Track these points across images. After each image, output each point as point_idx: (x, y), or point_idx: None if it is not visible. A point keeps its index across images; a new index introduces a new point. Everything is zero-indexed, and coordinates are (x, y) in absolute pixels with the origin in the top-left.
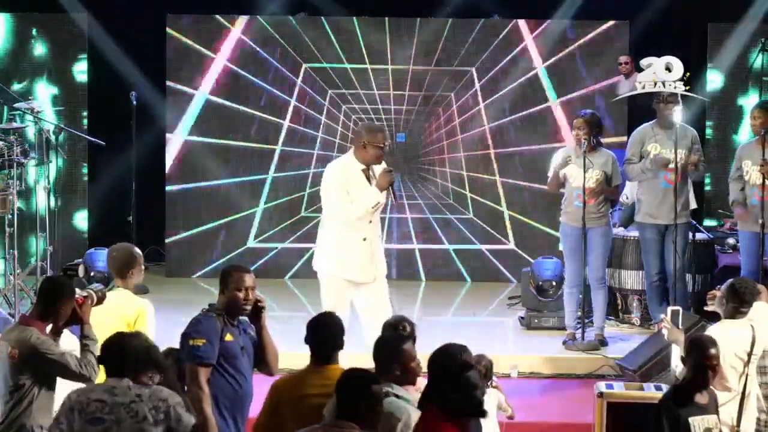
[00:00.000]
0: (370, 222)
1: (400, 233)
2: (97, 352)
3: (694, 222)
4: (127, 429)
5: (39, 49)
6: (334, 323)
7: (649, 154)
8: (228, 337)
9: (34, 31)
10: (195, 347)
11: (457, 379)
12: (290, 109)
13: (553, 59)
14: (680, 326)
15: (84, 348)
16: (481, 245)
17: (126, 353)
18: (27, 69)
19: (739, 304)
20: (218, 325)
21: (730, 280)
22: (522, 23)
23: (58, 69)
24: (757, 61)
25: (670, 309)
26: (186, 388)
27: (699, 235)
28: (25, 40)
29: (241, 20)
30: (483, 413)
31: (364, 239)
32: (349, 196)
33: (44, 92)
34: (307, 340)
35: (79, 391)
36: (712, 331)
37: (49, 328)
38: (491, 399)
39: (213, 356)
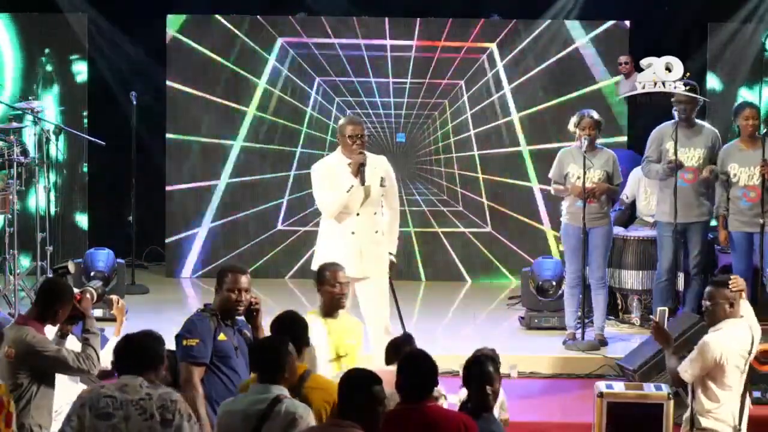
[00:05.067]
0: (358, 215)
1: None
2: (98, 346)
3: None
4: (135, 425)
5: (39, 49)
6: (298, 321)
7: (667, 152)
8: (221, 337)
9: (34, 31)
10: (188, 347)
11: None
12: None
13: (553, 59)
14: (666, 327)
15: (85, 341)
16: (466, 229)
17: (139, 352)
18: (27, 69)
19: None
20: (212, 325)
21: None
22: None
23: (58, 69)
24: (757, 61)
25: (659, 309)
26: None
27: None
28: (24, 40)
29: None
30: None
31: (353, 233)
32: (332, 188)
33: (44, 92)
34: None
35: (91, 388)
36: (720, 332)
37: (54, 330)
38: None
39: (206, 356)
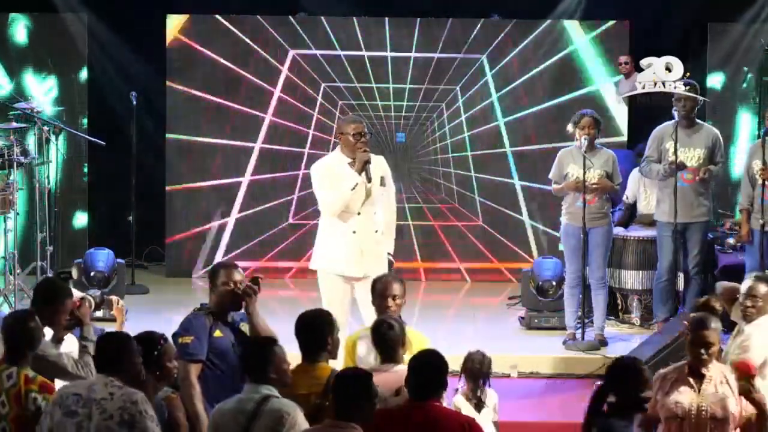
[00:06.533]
0: (359, 214)
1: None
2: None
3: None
4: (96, 425)
5: (39, 49)
6: (322, 321)
7: (667, 152)
8: (217, 334)
9: (34, 32)
10: (184, 345)
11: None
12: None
13: (553, 59)
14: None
15: (83, 349)
16: (498, 263)
17: (108, 352)
18: (27, 69)
19: None
20: (207, 322)
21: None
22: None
23: (58, 69)
24: (758, 61)
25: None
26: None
27: None
28: (25, 40)
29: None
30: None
31: (354, 232)
32: (334, 187)
33: (44, 92)
34: (297, 337)
35: (62, 386)
36: (761, 328)
37: (50, 335)
38: (491, 399)
39: (201, 353)
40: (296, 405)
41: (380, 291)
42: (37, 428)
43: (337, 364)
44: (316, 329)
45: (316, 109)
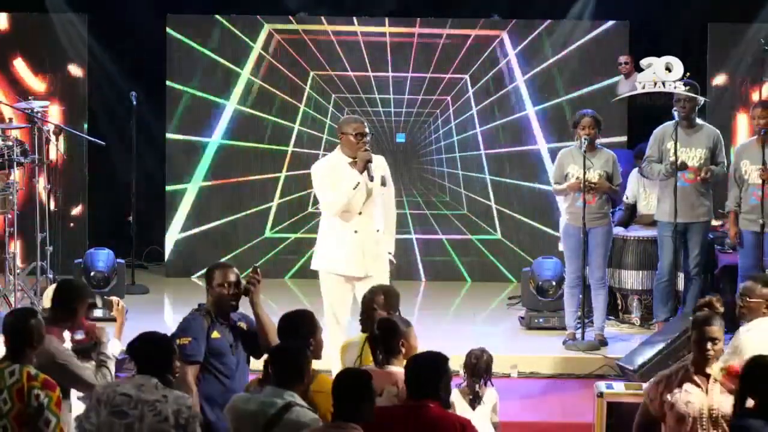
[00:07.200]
0: (360, 213)
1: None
2: (113, 370)
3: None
4: (149, 426)
5: (39, 48)
6: (305, 321)
7: (668, 152)
8: (215, 335)
9: (34, 31)
10: (181, 346)
11: None
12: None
13: (553, 59)
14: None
15: (101, 363)
16: (471, 236)
17: (156, 353)
18: (27, 69)
19: None
20: (205, 323)
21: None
22: (506, 36)
23: (57, 69)
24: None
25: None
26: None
27: None
28: (25, 40)
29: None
30: None
31: (355, 232)
32: (335, 187)
33: (44, 92)
34: (279, 337)
35: (106, 384)
36: (753, 331)
37: (68, 337)
38: (490, 398)
39: (199, 354)
40: (316, 415)
41: (366, 302)
42: (63, 421)
43: (334, 364)
44: (298, 329)
45: (329, 117)
